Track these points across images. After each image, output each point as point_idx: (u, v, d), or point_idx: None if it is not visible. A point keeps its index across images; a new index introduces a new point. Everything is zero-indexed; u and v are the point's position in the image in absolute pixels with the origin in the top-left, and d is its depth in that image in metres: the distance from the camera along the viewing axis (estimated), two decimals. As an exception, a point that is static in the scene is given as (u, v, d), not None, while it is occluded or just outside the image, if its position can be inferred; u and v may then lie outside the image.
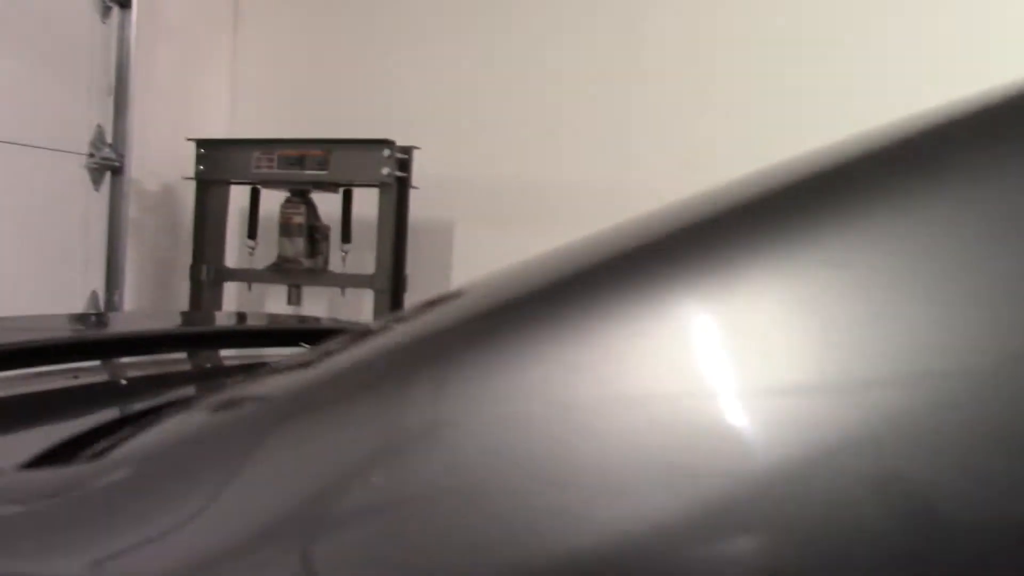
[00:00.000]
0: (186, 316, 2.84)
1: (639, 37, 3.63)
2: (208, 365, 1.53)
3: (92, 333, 1.65)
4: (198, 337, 1.60)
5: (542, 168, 3.73)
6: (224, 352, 1.58)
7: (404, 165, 3.46)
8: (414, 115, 3.71)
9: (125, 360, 1.44)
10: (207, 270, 3.67)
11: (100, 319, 2.49)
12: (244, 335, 1.71)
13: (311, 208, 3.56)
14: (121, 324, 1.93)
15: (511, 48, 3.77)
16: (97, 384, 1.33)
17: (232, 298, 3.91)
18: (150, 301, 3.85)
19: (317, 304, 3.78)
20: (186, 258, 3.74)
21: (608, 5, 3.68)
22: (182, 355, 1.57)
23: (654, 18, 3.61)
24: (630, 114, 3.63)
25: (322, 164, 3.42)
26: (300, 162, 3.45)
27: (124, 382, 1.33)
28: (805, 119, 3.32)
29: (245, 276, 3.72)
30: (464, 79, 3.82)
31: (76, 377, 1.39)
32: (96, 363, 1.42)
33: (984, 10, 3.21)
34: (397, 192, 3.43)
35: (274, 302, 3.88)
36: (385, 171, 3.38)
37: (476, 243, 3.82)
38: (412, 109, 3.77)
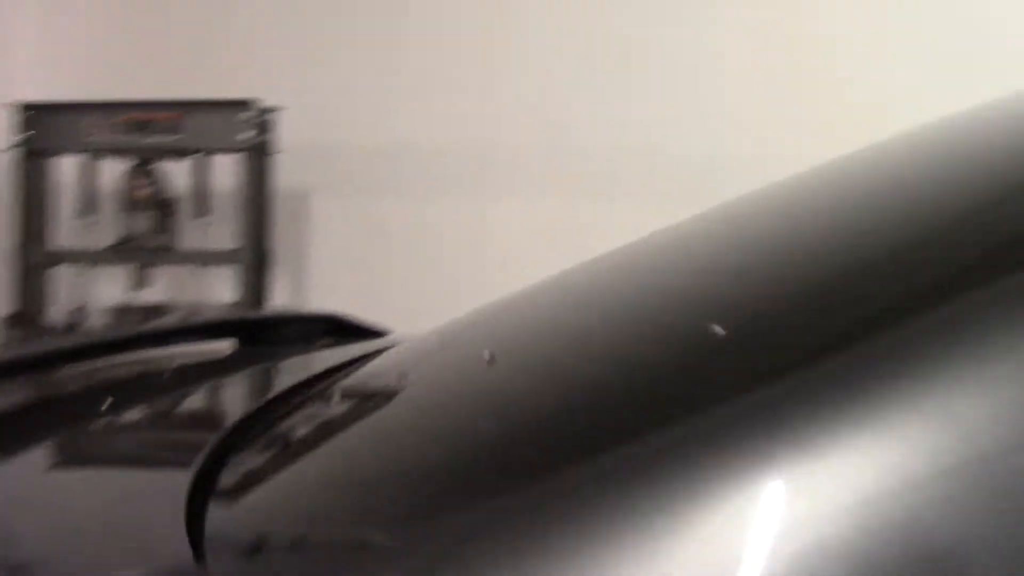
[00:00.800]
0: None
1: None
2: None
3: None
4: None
5: (403, 131, 3.48)
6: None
7: (265, 128, 3.15)
8: (264, 73, 3.38)
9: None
10: (34, 252, 3.24)
11: None
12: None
13: (158, 179, 3.19)
14: None
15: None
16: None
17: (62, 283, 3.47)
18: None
19: (162, 286, 3.41)
20: (6, 240, 3.29)
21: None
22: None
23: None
24: (497, 72, 3.44)
25: (172, 129, 3.07)
26: (145, 127, 3.08)
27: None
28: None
29: (82, 258, 3.30)
30: (317, 32, 3.52)
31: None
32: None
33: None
34: (258, 158, 3.12)
35: (111, 286, 3.46)
36: (246, 135, 3.06)
37: (335, 213, 3.55)
38: (262, 66, 3.43)
